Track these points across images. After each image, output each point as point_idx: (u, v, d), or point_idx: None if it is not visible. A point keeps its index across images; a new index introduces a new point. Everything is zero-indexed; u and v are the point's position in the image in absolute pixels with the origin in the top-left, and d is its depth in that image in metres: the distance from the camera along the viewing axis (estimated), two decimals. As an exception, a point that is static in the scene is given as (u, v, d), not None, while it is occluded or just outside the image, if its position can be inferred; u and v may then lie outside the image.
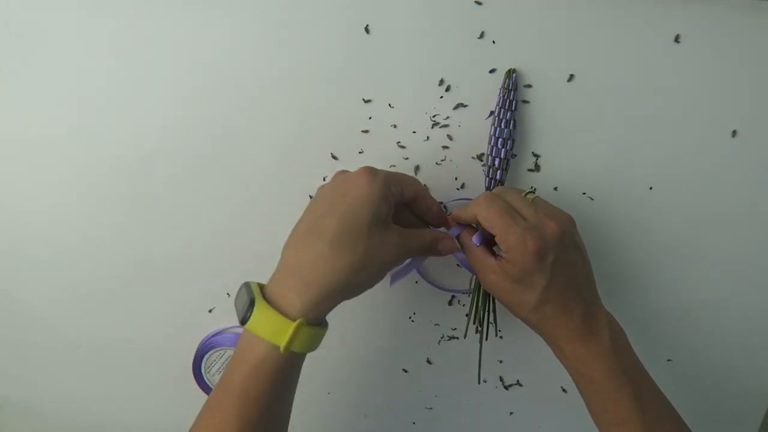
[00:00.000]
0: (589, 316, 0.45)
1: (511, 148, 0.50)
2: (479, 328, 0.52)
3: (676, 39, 0.48)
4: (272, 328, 0.39)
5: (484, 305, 0.51)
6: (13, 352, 0.66)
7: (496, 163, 0.50)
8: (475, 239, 0.46)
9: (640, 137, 0.51)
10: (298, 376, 0.44)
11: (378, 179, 0.42)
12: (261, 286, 0.42)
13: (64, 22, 0.50)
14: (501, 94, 0.49)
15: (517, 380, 0.62)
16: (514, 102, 0.49)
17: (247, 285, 0.43)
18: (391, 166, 0.53)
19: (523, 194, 0.46)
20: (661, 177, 0.52)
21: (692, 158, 0.51)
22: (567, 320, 0.44)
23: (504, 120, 0.49)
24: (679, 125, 0.50)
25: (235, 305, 0.43)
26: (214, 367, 0.63)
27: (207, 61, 0.51)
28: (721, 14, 0.47)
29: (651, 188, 0.53)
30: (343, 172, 0.46)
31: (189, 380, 0.64)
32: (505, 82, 0.49)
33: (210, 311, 0.61)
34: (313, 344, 0.42)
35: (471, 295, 0.53)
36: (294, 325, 0.39)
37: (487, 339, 0.52)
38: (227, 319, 0.61)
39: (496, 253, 0.46)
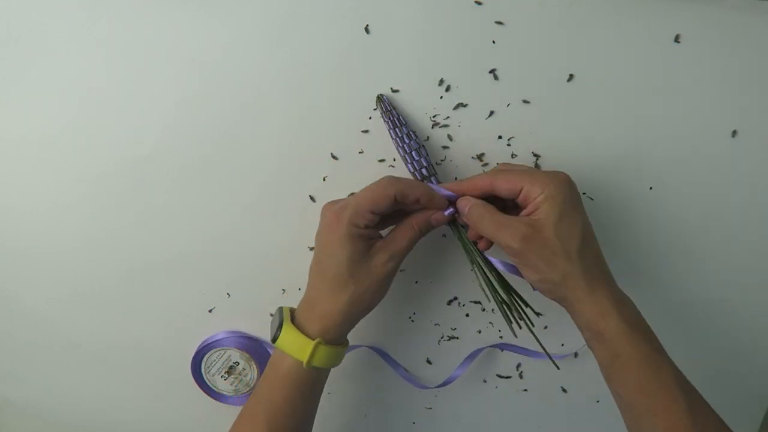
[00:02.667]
0: (605, 266, 0.45)
1: (427, 155, 0.50)
2: (520, 319, 0.48)
3: (676, 39, 0.48)
4: (296, 347, 0.46)
5: (507, 293, 0.48)
6: (13, 352, 0.66)
7: (424, 172, 0.50)
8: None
9: (640, 137, 0.51)
10: (321, 390, 0.50)
11: (342, 222, 0.45)
12: (292, 311, 0.49)
13: (65, 23, 0.50)
14: (385, 119, 0.50)
15: (518, 379, 0.62)
16: (399, 117, 0.50)
17: (279, 309, 0.50)
18: (389, 166, 0.53)
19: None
20: (661, 177, 0.52)
21: (692, 158, 0.51)
22: (603, 265, 0.44)
23: (403, 137, 0.49)
24: (679, 125, 0.50)
25: (271, 326, 0.50)
26: (214, 367, 0.63)
27: (207, 62, 0.51)
28: (721, 14, 0.47)
29: (651, 188, 0.53)
30: (325, 207, 0.47)
31: (189, 380, 0.64)
32: (381, 107, 0.50)
33: (210, 311, 0.61)
34: (333, 361, 0.48)
35: (492, 297, 0.49)
36: (313, 343, 0.45)
37: (534, 325, 0.48)
38: (227, 319, 0.61)
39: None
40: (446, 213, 0.48)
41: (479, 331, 0.60)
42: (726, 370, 0.60)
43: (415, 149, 0.50)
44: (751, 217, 0.53)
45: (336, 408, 0.64)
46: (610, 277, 0.45)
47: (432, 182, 0.50)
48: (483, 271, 0.49)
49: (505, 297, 0.48)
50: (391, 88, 0.50)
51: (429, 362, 0.61)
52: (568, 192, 0.43)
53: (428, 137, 0.52)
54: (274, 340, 0.47)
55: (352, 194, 0.52)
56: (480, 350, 0.60)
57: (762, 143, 0.51)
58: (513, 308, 0.48)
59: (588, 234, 0.44)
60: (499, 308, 0.48)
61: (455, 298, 0.58)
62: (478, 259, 0.49)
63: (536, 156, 0.52)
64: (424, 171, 0.50)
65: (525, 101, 0.50)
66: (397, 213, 0.48)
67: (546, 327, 0.58)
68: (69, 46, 0.50)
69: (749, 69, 0.48)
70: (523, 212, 0.44)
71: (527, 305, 0.48)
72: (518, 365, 0.61)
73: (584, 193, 0.53)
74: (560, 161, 0.52)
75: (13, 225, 0.59)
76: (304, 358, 0.46)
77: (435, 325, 0.59)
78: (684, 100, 0.50)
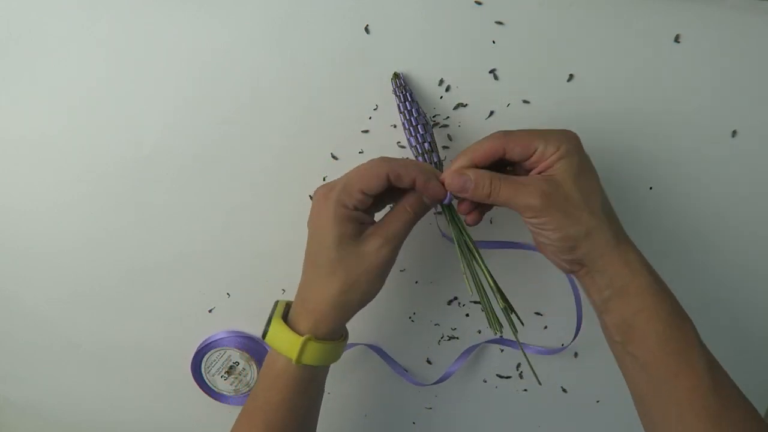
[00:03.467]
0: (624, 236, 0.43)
1: (432, 133, 0.48)
2: (508, 323, 0.47)
3: (676, 39, 0.48)
4: (285, 344, 0.43)
5: (498, 292, 0.46)
6: (13, 352, 0.66)
7: (426, 147, 0.48)
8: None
9: (640, 137, 0.51)
10: (319, 387, 0.48)
11: (329, 201, 0.42)
12: (288, 305, 0.47)
13: (65, 23, 0.50)
14: (396, 93, 0.49)
15: (518, 379, 0.62)
16: (411, 93, 0.48)
17: (275, 303, 0.48)
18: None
19: None
20: (661, 177, 0.52)
21: (692, 158, 0.51)
22: (618, 220, 0.43)
23: (411, 110, 0.48)
24: (679, 125, 0.50)
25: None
26: (214, 367, 0.63)
27: (207, 62, 0.51)
28: (721, 14, 0.47)
29: (651, 188, 0.53)
30: (317, 190, 0.44)
31: (189, 380, 0.64)
32: (395, 82, 0.49)
33: (210, 311, 0.61)
34: (327, 358, 0.45)
35: (480, 301, 0.47)
36: (302, 339, 0.43)
37: (523, 324, 0.48)
38: (227, 319, 0.61)
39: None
40: (446, 201, 0.44)
41: (479, 331, 0.60)
42: (726, 370, 0.60)
43: (422, 123, 0.48)
44: (751, 217, 0.53)
45: (336, 408, 0.64)
46: (621, 226, 0.43)
47: (434, 159, 0.48)
48: (472, 262, 0.47)
49: (488, 302, 0.47)
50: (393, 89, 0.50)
51: (429, 362, 0.61)
52: (581, 149, 0.42)
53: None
54: (264, 335, 0.45)
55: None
56: (475, 346, 0.60)
57: (762, 143, 0.51)
58: (504, 306, 0.46)
59: (604, 191, 0.42)
60: (486, 313, 0.47)
61: (455, 298, 0.58)
62: (469, 247, 0.47)
63: (536, 156, 0.52)
64: (427, 146, 0.48)
65: (525, 101, 0.50)
66: (394, 195, 0.45)
67: (546, 327, 0.58)
68: (69, 46, 0.50)
69: (749, 69, 0.48)
70: (533, 172, 0.42)
71: (512, 310, 0.47)
72: (518, 365, 0.61)
73: (584, 193, 0.53)
74: (560, 161, 0.52)
75: (13, 225, 0.59)
76: (294, 356, 0.43)
77: (435, 325, 0.59)
78: (684, 100, 0.49)
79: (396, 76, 0.49)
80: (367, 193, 0.42)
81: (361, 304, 0.45)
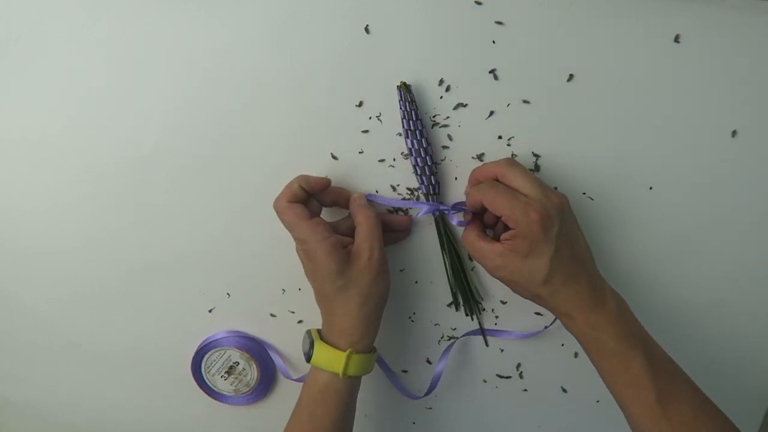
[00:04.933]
0: (594, 286, 0.47)
1: (432, 153, 0.51)
2: (472, 307, 0.57)
3: (676, 39, 0.48)
4: (330, 360, 0.49)
5: (459, 284, 0.56)
6: (13, 352, 0.66)
7: (426, 170, 0.51)
8: (463, 221, 0.52)
9: (640, 137, 0.51)
10: (356, 398, 0.53)
11: (311, 246, 0.48)
12: (318, 332, 0.52)
13: (65, 23, 0.50)
14: (401, 108, 0.50)
15: (518, 379, 0.62)
16: (413, 111, 0.50)
17: (307, 332, 0.53)
18: (389, 166, 0.53)
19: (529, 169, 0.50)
20: (661, 177, 0.52)
21: (692, 158, 0.51)
22: (575, 289, 0.46)
23: (418, 131, 0.50)
24: (679, 125, 0.50)
25: (302, 348, 0.53)
26: (214, 367, 0.63)
27: (207, 62, 0.51)
28: (721, 14, 0.47)
29: (651, 188, 0.53)
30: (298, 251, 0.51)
31: (189, 380, 0.64)
32: (401, 96, 0.50)
33: (210, 311, 0.61)
34: (366, 368, 0.52)
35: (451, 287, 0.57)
36: (345, 354, 0.49)
37: (483, 310, 0.58)
38: (227, 319, 0.61)
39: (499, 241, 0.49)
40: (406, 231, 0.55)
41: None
42: (726, 370, 0.60)
43: (424, 147, 0.50)
44: (751, 217, 0.53)
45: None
46: (585, 283, 0.47)
47: (432, 182, 0.52)
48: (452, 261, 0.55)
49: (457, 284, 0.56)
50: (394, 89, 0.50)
51: (429, 362, 0.61)
52: (537, 232, 0.45)
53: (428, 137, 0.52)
54: (309, 359, 0.50)
55: None
56: (451, 346, 0.59)
57: (762, 143, 0.51)
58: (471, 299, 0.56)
59: (558, 262, 0.45)
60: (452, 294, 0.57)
61: (455, 299, 0.58)
62: (453, 250, 0.55)
63: (536, 156, 0.52)
64: (427, 170, 0.51)
65: (525, 101, 0.50)
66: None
67: (546, 327, 0.58)
68: (69, 46, 0.50)
69: (749, 69, 0.48)
70: (506, 234, 0.47)
71: (478, 301, 0.57)
72: (518, 365, 0.61)
73: (584, 193, 0.53)
74: (560, 161, 0.52)
75: (13, 225, 0.59)
76: (340, 370, 0.49)
77: (435, 325, 0.59)
78: (684, 100, 0.49)
79: (405, 87, 0.49)
80: (304, 188, 0.50)
81: (380, 308, 0.51)
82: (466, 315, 0.58)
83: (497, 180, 0.48)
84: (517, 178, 0.47)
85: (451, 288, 0.57)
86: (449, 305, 0.58)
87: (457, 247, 0.55)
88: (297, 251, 0.50)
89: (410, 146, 0.51)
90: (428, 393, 0.60)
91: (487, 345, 0.60)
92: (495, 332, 0.59)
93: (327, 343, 0.50)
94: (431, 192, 0.52)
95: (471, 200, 0.50)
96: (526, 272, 0.46)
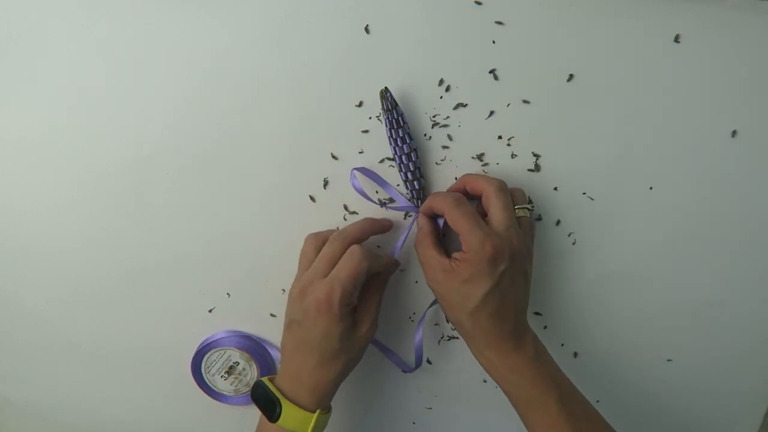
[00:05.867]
0: (517, 333, 0.48)
1: (417, 158, 0.51)
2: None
3: (676, 39, 0.48)
4: (299, 422, 0.49)
5: None
6: (13, 352, 0.66)
7: (409, 176, 0.51)
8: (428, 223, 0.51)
9: (640, 137, 0.51)
10: None
11: (333, 306, 0.47)
12: (271, 380, 0.51)
13: (65, 23, 0.50)
14: (385, 116, 0.50)
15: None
16: (399, 118, 0.49)
17: (262, 386, 0.51)
18: (389, 166, 0.53)
19: (515, 206, 0.49)
20: (661, 177, 0.52)
21: (692, 158, 0.51)
22: (498, 330, 0.47)
23: (399, 138, 0.50)
24: (679, 125, 0.50)
25: (256, 401, 0.51)
26: (214, 367, 0.63)
27: (207, 62, 0.51)
28: (721, 14, 0.47)
29: (651, 188, 0.53)
30: (303, 289, 0.49)
31: (189, 380, 0.64)
32: (383, 104, 0.49)
33: (210, 311, 0.61)
34: (325, 425, 0.52)
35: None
36: (315, 415, 0.49)
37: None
38: (227, 319, 0.61)
39: (449, 256, 0.49)
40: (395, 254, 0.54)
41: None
42: (726, 370, 0.60)
43: (407, 152, 0.50)
44: (750, 217, 0.53)
45: (336, 408, 0.64)
46: (510, 327, 0.47)
47: (415, 186, 0.52)
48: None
49: None
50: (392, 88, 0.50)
51: (429, 362, 0.61)
52: (485, 264, 0.45)
53: (429, 137, 0.52)
54: (275, 419, 0.49)
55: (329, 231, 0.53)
56: (429, 309, 0.59)
57: (762, 143, 0.51)
58: None
59: (491, 298, 0.46)
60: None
61: (455, 298, 0.58)
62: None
63: (536, 156, 0.52)
64: (409, 175, 0.51)
65: (525, 101, 0.50)
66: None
67: (546, 327, 0.58)
68: (69, 46, 0.50)
69: (749, 69, 0.48)
70: (456, 254, 0.47)
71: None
72: (518, 365, 0.61)
73: (584, 193, 0.53)
74: (560, 161, 0.52)
75: (13, 225, 0.59)
76: (307, 431, 0.49)
77: (435, 325, 0.59)
78: (684, 100, 0.50)
79: (383, 94, 0.49)
80: (358, 288, 0.48)
81: (349, 373, 0.52)
82: (435, 325, 0.59)
83: (480, 196, 0.49)
84: (495, 206, 0.47)
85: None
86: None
87: None
88: (306, 290, 0.48)
89: (393, 152, 0.51)
90: (417, 366, 0.60)
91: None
92: None
93: (290, 400, 0.49)
94: (414, 197, 0.52)
95: (433, 206, 0.49)
96: (458, 296, 0.46)
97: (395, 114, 0.49)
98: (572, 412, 0.46)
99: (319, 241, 0.51)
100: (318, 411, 0.49)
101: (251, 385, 0.63)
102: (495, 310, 0.46)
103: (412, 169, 0.51)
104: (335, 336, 0.48)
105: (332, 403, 0.53)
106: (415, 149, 0.51)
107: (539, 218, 0.54)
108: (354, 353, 0.51)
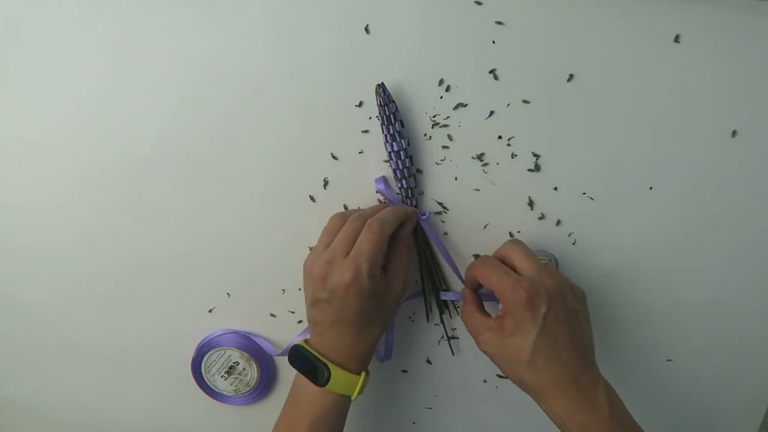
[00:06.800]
0: (585, 382, 0.45)
1: (408, 156, 0.51)
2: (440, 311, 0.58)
3: (676, 39, 0.48)
4: (347, 385, 0.50)
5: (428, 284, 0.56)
6: (13, 352, 0.66)
7: (398, 174, 0.52)
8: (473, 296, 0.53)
9: (640, 137, 0.51)
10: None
11: (363, 280, 0.46)
12: (307, 343, 0.51)
13: (64, 23, 0.50)
14: (379, 112, 0.50)
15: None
16: (392, 114, 0.49)
17: (306, 352, 0.50)
18: (389, 167, 0.53)
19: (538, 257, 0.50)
20: (661, 177, 0.52)
21: (692, 158, 0.51)
22: (561, 379, 0.44)
23: (391, 134, 0.50)
24: (679, 125, 0.50)
25: (298, 366, 0.50)
26: (214, 367, 0.63)
27: (207, 61, 0.51)
28: (721, 14, 0.47)
29: (651, 188, 0.53)
30: (326, 265, 0.47)
31: (189, 380, 0.64)
32: (377, 100, 0.49)
33: (210, 311, 0.61)
34: (365, 388, 0.52)
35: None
36: (362, 377, 0.50)
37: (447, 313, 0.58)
38: (227, 319, 0.61)
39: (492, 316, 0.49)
40: (423, 217, 0.53)
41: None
42: (726, 370, 0.60)
43: (397, 150, 0.50)
44: (750, 217, 0.53)
45: (336, 408, 0.64)
46: (572, 372, 0.45)
47: (404, 185, 0.52)
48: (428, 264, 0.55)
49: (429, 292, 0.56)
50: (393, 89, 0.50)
51: (429, 362, 0.61)
52: (523, 310, 0.44)
53: (429, 137, 0.52)
54: (324, 383, 0.49)
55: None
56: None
57: (762, 143, 0.51)
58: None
59: (542, 343, 0.45)
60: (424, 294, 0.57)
61: (455, 301, 0.58)
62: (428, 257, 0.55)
63: (536, 156, 0.52)
64: (398, 173, 0.51)
65: (525, 101, 0.50)
66: None
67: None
68: (69, 46, 0.50)
69: (749, 69, 0.48)
70: (499, 312, 0.48)
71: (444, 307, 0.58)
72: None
73: (584, 193, 0.53)
74: (560, 161, 0.52)
75: (13, 225, 0.59)
76: (354, 393, 0.50)
77: (435, 325, 0.60)
78: (684, 100, 0.49)
79: (378, 89, 0.49)
80: (383, 256, 0.48)
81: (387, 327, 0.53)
82: (436, 325, 0.59)
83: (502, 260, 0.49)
84: (516, 255, 0.48)
85: (424, 293, 0.57)
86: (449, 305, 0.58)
87: (429, 253, 0.55)
88: (332, 291, 0.47)
89: (386, 149, 0.51)
90: (387, 357, 0.60)
91: (453, 353, 0.60)
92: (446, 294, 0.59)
93: (337, 365, 0.49)
94: (406, 195, 0.52)
95: (468, 275, 0.51)
96: (510, 351, 0.46)
97: (388, 111, 0.49)
98: None
99: (345, 219, 0.50)
100: (363, 373, 0.50)
101: (251, 385, 0.63)
102: (551, 356, 0.44)
103: (401, 167, 0.51)
104: (369, 307, 0.48)
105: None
106: (407, 147, 0.51)
107: (541, 217, 0.54)
108: (390, 313, 0.51)
